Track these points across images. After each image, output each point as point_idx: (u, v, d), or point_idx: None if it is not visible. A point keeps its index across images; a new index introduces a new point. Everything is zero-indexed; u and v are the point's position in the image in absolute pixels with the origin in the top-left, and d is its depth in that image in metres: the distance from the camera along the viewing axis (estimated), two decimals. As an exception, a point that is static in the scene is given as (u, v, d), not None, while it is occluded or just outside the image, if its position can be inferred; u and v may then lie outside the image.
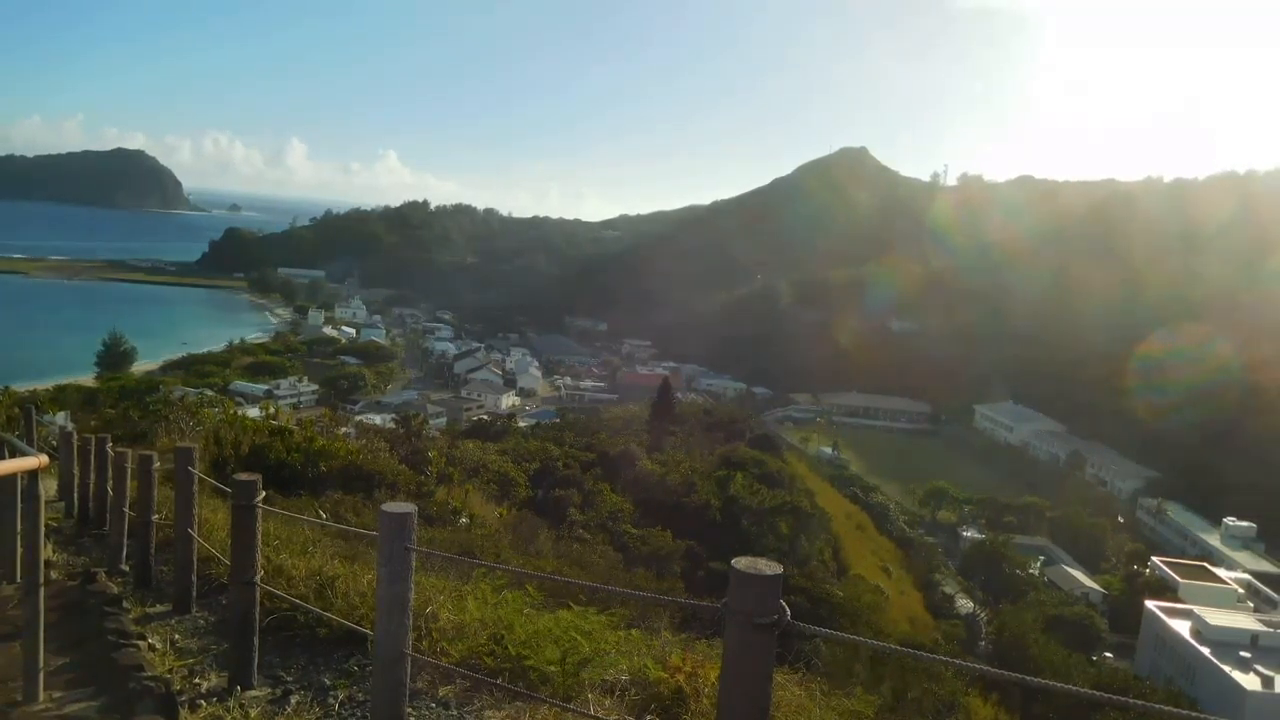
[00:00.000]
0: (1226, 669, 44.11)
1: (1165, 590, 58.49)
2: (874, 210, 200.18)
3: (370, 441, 21.06)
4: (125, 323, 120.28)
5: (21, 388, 41.66)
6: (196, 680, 5.48)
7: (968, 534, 73.89)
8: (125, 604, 6.86)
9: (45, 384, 60.71)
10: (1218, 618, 48.96)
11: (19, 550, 5.18)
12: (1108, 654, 52.26)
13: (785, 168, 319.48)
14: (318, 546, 7.96)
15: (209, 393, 56.23)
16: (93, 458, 11.12)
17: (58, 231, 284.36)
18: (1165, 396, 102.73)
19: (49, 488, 11.90)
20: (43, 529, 4.69)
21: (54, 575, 7.20)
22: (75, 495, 11.85)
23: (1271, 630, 48.04)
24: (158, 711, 4.67)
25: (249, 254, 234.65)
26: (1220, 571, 66.02)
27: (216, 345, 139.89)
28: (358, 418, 54.31)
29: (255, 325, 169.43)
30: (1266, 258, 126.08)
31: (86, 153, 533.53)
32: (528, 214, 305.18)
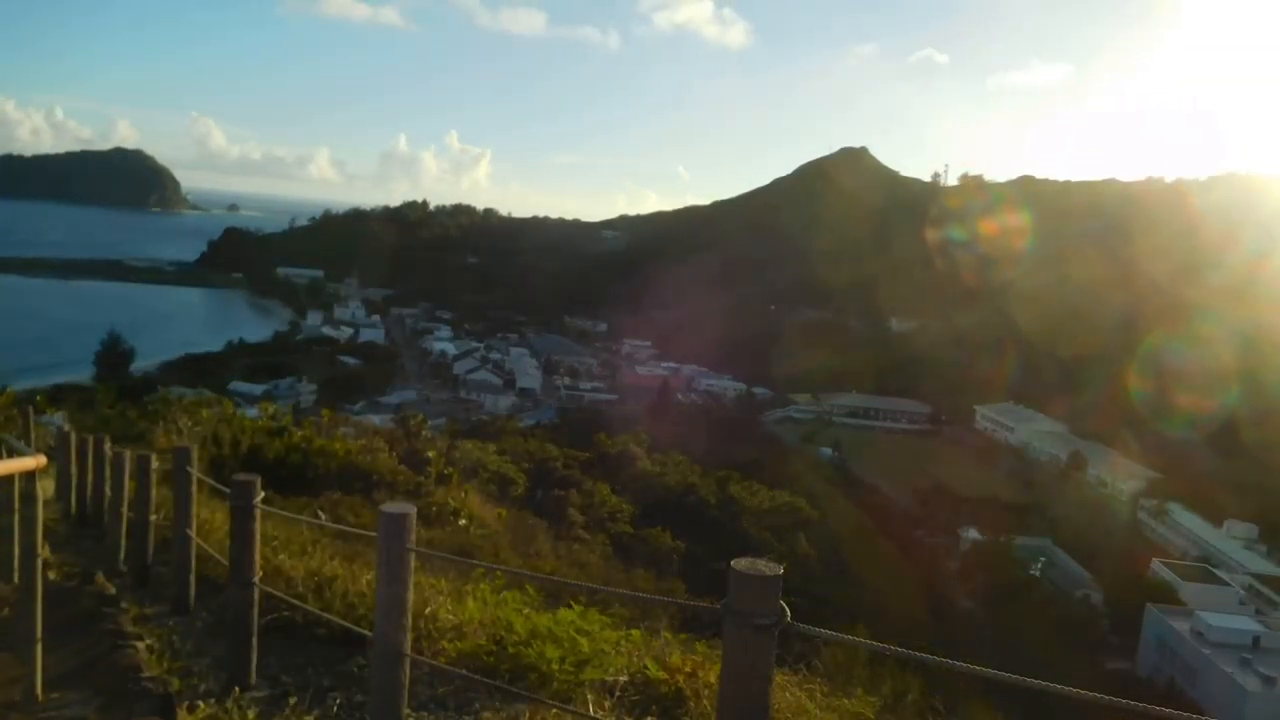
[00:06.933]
0: (1228, 670, 44.11)
1: (1166, 592, 58.45)
2: (874, 210, 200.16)
3: (369, 441, 21.05)
4: (124, 323, 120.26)
5: (19, 388, 41.58)
6: (194, 681, 5.46)
7: (968, 534, 73.83)
8: (123, 604, 6.85)
9: (43, 384, 60.67)
10: (1219, 619, 48.97)
11: (16, 551, 5.16)
12: (1108, 656, 52.25)
13: (785, 168, 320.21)
14: (316, 547, 7.96)
15: (207, 393, 56.10)
16: (90, 458, 11.11)
17: (57, 231, 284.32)
18: (1166, 397, 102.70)
19: (46, 488, 11.88)
20: (40, 529, 4.68)
21: (51, 576, 7.18)
22: (73, 495, 11.84)
23: (1273, 632, 48.09)
24: (156, 712, 4.66)
25: (248, 254, 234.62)
26: (1221, 573, 66.00)
27: (215, 345, 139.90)
28: (356, 418, 54.23)
29: (254, 325, 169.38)
30: (1268, 258, 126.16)
31: (85, 152, 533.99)
32: (527, 213, 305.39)
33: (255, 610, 5.35)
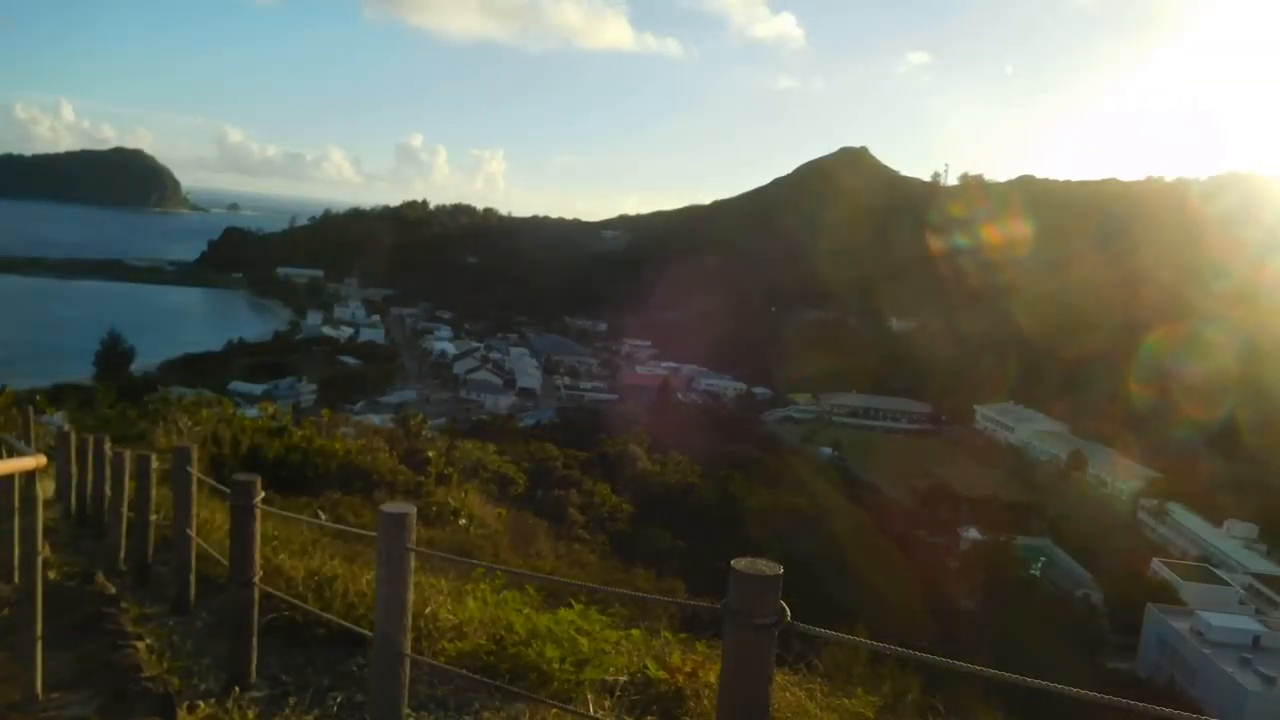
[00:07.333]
0: (1228, 670, 44.12)
1: (1166, 591, 58.44)
2: (874, 210, 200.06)
3: (369, 441, 21.06)
4: (124, 322, 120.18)
5: (19, 388, 41.55)
6: (194, 681, 5.46)
7: (968, 534, 73.80)
8: (123, 604, 6.85)
9: (43, 384, 60.58)
10: (1219, 619, 48.98)
11: (17, 551, 5.16)
12: (1109, 655, 52.20)
13: (785, 167, 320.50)
14: (317, 547, 7.96)
15: (207, 393, 56.08)
16: (90, 458, 11.12)
17: (56, 231, 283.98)
18: (1166, 396, 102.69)
19: (47, 488, 11.89)
20: (40, 529, 4.68)
21: (51, 575, 7.17)
22: (73, 495, 11.84)
23: (1273, 631, 48.08)
24: (156, 712, 4.65)
25: (248, 253, 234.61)
26: (1221, 573, 66.00)
27: (215, 345, 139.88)
28: (356, 418, 54.24)
29: (254, 325, 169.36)
30: (1268, 258, 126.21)
31: (85, 151, 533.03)
32: (531, 213, 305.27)
33: (255, 610, 5.35)
